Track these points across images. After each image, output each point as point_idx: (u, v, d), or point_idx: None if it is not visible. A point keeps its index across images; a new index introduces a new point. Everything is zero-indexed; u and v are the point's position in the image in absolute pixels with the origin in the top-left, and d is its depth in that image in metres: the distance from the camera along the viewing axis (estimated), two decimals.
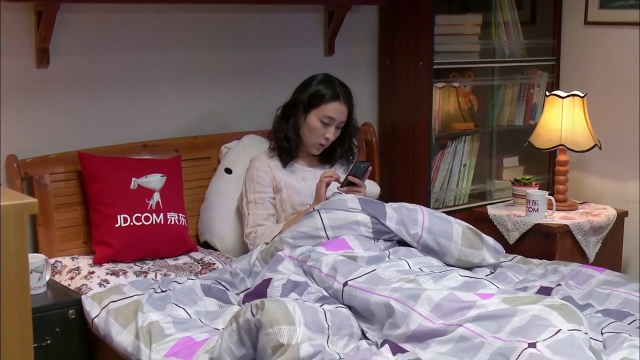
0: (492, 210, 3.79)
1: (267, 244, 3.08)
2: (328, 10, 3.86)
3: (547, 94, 3.82)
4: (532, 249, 3.57)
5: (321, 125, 3.27)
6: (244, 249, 3.32)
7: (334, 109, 3.28)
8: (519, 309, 2.42)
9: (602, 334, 2.53)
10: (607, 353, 2.40)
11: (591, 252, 3.65)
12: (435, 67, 3.82)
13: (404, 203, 3.18)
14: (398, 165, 4.00)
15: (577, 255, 3.62)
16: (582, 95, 3.72)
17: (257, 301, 2.42)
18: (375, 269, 2.76)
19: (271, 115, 3.43)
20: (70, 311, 2.80)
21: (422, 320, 2.48)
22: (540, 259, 3.39)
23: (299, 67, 3.73)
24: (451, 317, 2.47)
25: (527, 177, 3.93)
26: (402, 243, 3.12)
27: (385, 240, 3.08)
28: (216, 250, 3.44)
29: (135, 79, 3.45)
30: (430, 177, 3.91)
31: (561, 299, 2.78)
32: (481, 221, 3.77)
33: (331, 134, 3.29)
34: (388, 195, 3.91)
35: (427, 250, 3.08)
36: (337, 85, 3.31)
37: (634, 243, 3.92)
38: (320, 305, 2.55)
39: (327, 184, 3.24)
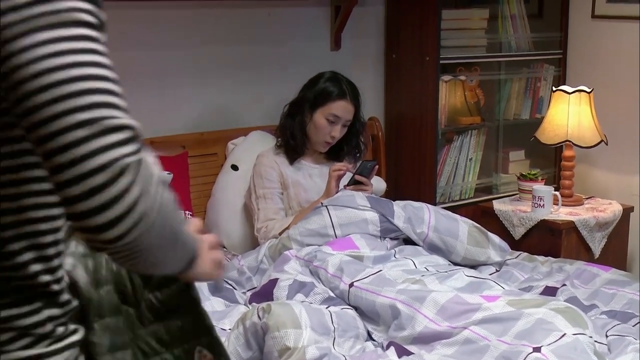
0: (498, 205, 3.80)
1: (276, 237, 3.09)
2: (334, 5, 3.85)
3: (554, 89, 3.81)
4: (537, 245, 3.58)
5: (327, 123, 3.27)
6: (251, 246, 3.33)
7: (340, 108, 3.27)
8: (524, 312, 2.44)
9: (606, 336, 2.54)
10: (611, 357, 2.42)
11: (596, 248, 3.65)
12: (441, 62, 3.81)
13: (410, 201, 3.19)
14: (404, 160, 4.00)
15: (583, 251, 3.62)
16: (588, 90, 3.71)
17: (264, 304, 2.44)
18: (380, 270, 2.77)
19: (278, 110, 3.43)
20: None
21: (428, 322, 2.50)
22: (546, 255, 3.41)
23: (305, 62, 3.73)
24: (456, 319, 2.48)
25: (533, 172, 3.93)
26: (408, 241, 3.13)
27: (391, 238, 3.09)
28: (223, 247, 3.45)
29: (141, 75, 3.45)
30: (437, 171, 3.91)
31: (566, 299, 2.80)
32: (487, 216, 3.77)
33: (337, 132, 3.28)
34: (394, 189, 3.91)
35: (433, 248, 3.09)
36: (344, 83, 3.30)
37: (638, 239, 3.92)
38: (327, 307, 2.57)
39: (338, 179, 3.23)
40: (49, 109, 0.89)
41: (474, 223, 3.21)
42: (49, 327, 1.01)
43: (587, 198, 3.91)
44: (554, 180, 4.19)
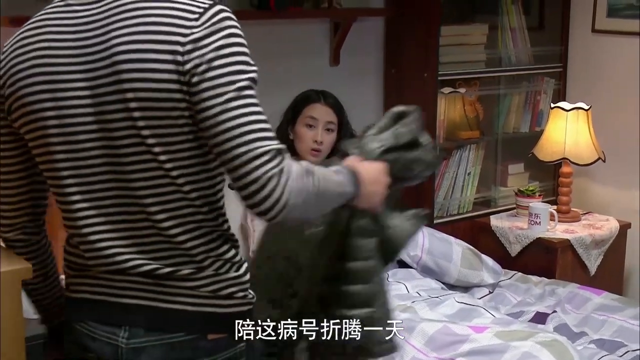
0: (495, 222, 3.81)
1: None
2: (334, 21, 3.86)
3: (552, 105, 3.82)
4: (533, 262, 3.59)
5: (307, 129, 3.27)
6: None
7: (315, 109, 3.28)
8: (510, 345, 2.47)
9: None
10: None
11: (592, 266, 3.67)
12: (440, 78, 3.82)
13: None
14: None
15: (579, 268, 3.64)
16: (586, 108, 3.72)
17: None
18: None
19: (276, 127, 3.45)
20: None
21: (416, 352, 2.54)
22: (542, 273, 3.44)
23: (305, 77, 3.74)
24: (444, 350, 2.52)
25: (530, 187, 3.94)
26: (401, 263, 3.16)
27: None
28: None
29: None
30: (435, 185, 3.93)
31: (556, 327, 2.84)
32: (484, 232, 3.79)
33: (319, 135, 3.24)
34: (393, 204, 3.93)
35: (427, 271, 3.12)
36: (317, 91, 3.35)
37: (636, 255, 3.93)
38: None
39: None
40: (228, 143, 1.44)
41: (468, 245, 3.25)
42: (237, 257, 1.58)
43: (584, 213, 3.92)
44: (553, 193, 4.20)
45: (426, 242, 3.12)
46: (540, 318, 2.92)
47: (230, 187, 1.54)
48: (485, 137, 4.12)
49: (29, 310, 2.17)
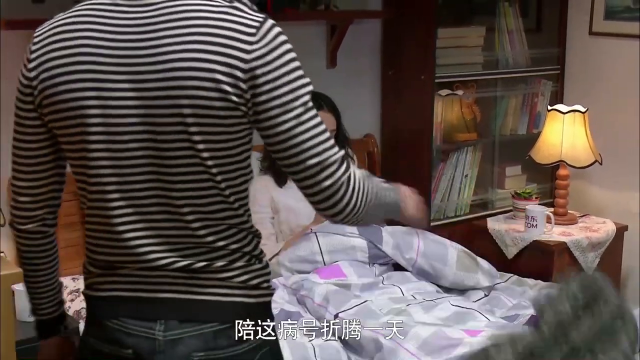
0: (491, 224, 3.81)
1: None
2: (330, 23, 3.86)
3: (549, 108, 3.82)
4: (529, 265, 3.59)
5: None
6: None
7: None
8: None
9: None
10: None
11: (589, 268, 3.66)
12: (437, 80, 3.83)
13: (400, 227, 3.21)
14: (400, 176, 3.92)
15: (575, 271, 3.62)
16: (583, 110, 3.71)
17: None
18: (366, 300, 2.81)
19: None
20: None
21: (410, 356, 2.53)
22: (539, 275, 3.43)
23: None
24: (438, 354, 2.52)
25: (527, 190, 3.94)
26: (397, 266, 3.16)
27: (380, 264, 3.13)
28: None
29: None
30: (432, 188, 3.93)
31: None
32: (480, 235, 3.79)
33: None
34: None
35: (422, 273, 3.12)
36: (316, 96, 3.31)
37: (633, 257, 3.92)
38: (309, 340, 2.60)
39: None
40: (301, 155, 1.53)
41: (464, 248, 3.24)
42: (262, 253, 1.66)
43: (581, 216, 3.92)
44: (551, 195, 4.20)
45: (421, 245, 3.12)
46: (535, 321, 2.91)
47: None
48: (483, 139, 4.13)
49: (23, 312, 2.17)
